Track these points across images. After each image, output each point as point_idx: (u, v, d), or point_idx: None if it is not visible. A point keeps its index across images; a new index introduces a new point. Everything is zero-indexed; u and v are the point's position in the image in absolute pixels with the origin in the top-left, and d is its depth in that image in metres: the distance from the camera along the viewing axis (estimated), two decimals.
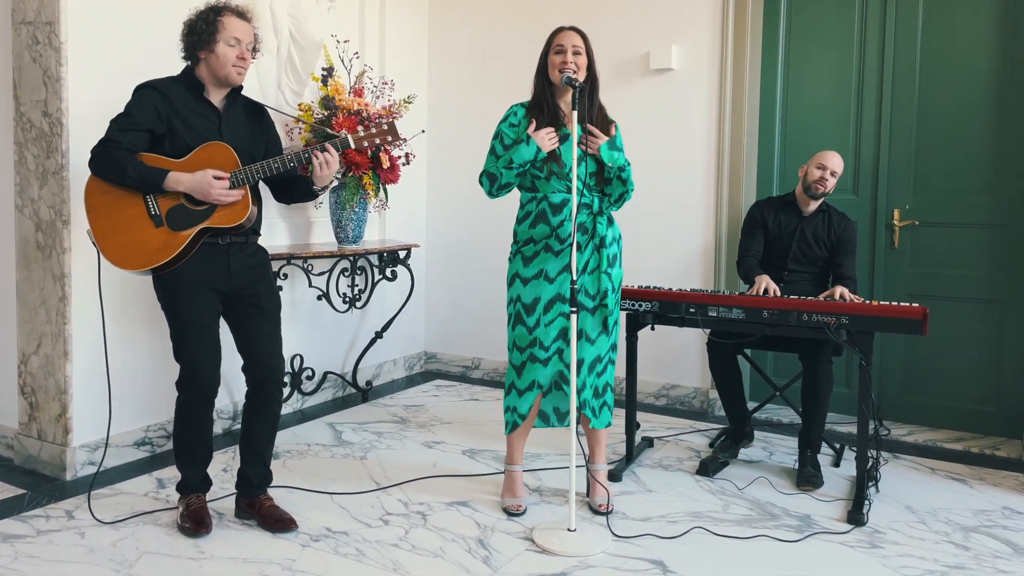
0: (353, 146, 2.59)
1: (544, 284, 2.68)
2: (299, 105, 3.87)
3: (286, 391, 4.00)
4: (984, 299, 3.70)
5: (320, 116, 3.78)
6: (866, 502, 2.84)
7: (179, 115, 2.47)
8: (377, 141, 2.63)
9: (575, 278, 2.48)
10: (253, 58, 2.59)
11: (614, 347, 2.80)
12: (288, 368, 4.01)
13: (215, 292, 2.53)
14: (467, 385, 4.66)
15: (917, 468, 3.31)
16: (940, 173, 3.77)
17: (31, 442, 3.19)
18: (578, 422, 2.68)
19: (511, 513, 2.75)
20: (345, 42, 4.01)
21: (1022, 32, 3.54)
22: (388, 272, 4.32)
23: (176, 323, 2.51)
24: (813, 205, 3.36)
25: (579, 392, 2.71)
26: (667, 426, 3.87)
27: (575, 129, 2.48)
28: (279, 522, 2.61)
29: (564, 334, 2.66)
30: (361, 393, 4.35)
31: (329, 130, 3.69)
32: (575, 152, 2.48)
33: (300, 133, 3.85)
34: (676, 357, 4.20)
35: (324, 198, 4.05)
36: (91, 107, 3.00)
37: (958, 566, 2.43)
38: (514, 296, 2.74)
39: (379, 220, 4.58)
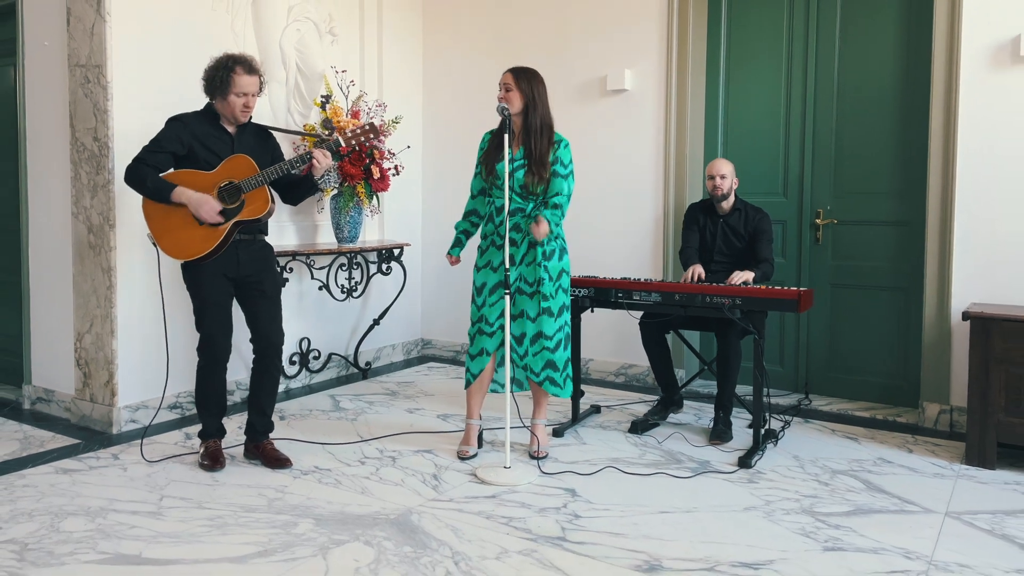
0: (344, 144, 3.26)
1: (490, 272, 3.35)
2: (304, 126, 4.58)
3: (296, 368, 4.71)
4: (892, 287, 4.25)
5: (321, 134, 4.48)
6: (759, 452, 3.43)
7: (199, 140, 3.17)
8: (362, 138, 3.31)
9: (508, 267, 3.13)
10: (260, 95, 3.27)
11: (562, 328, 3.39)
12: (297, 349, 4.73)
13: (228, 279, 3.23)
14: (456, 367, 5.33)
15: (820, 430, 3.89)
16: (855, 178, 4.33)
17: (85, 404, 3.93)
18: (519, 387, 3.39)
19: (462, 457, 3.41)
20: (343, 72, 4.71)
21: (920, 53, 4.10)
22: (384, 267, 5.01)
23: (198, 302, 3.23)
24: (726, 205, 3.95)
25: (522, 358, 3.35)
26: (619, 398, 4.49)
27: (507, 148, 3.14)
28: (277, 460, 3.30)
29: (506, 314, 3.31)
30: (361, 372, 5.04)
31: (325, 132, 4.43)
32: (507, 168, 3.14)
33: (305, 148, 4.55)
34: (633, 340, 4.81)
35: (326, 204, 4.76)
36: (132, 134, 3.73)
37: (812, 495, 3.02)
38: (473, 279, 3.41)
39: (379, 222, 5.28)
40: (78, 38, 3.81)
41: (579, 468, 3.30)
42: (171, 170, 3.18)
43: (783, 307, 3.35)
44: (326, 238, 4.87)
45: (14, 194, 4.31)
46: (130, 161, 3.15)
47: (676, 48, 4.61)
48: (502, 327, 3.33)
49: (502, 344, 3.35)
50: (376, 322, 5.11)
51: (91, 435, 3.79)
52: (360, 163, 4.48)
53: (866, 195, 4.31)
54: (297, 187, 3.38)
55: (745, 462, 3.32)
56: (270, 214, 3.21)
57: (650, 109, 4.72)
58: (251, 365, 3.40)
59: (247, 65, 3.17)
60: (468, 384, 3.44)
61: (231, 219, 3.15)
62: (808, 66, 4.43)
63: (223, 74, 3.12)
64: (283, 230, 4.63)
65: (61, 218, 4.00)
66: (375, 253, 5.01)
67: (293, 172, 3.20)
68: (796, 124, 4.48)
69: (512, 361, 3.37)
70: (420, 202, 5.66)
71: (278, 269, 4.12)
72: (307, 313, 4.78)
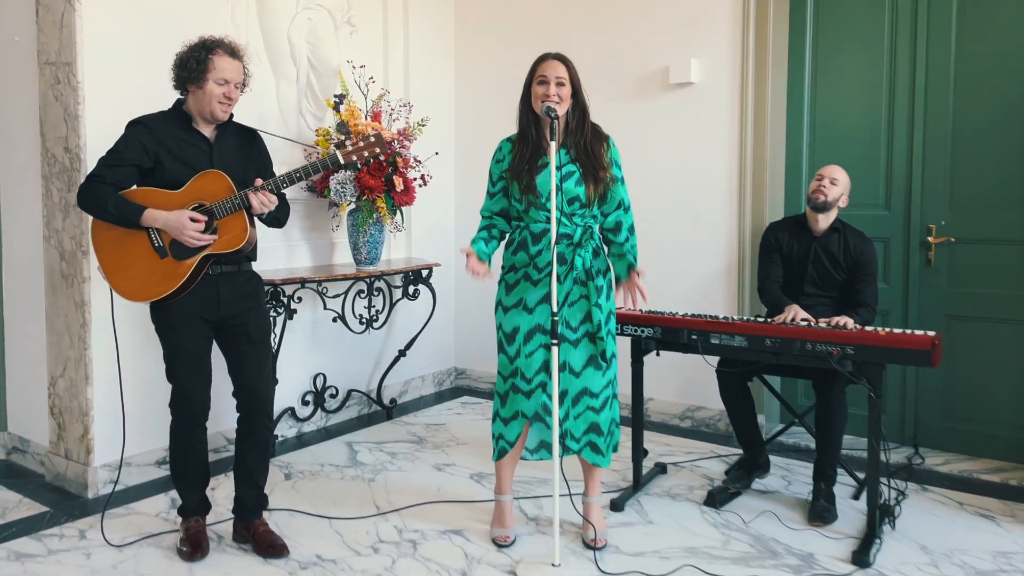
0: (343, 162, 2.61)
1: (523, 314, 2.65)
2: (317, 130, 3.95)
3: (309, 409, 4.09)
4: (1022, 320, 3.46)
5: (336, 140, 3.84)
6: (876, 541, 2.70)
7: (167, 148, 2.54)
8: (366, 154, 2.64)
9: (555, 309, 2.44)
10: (242, 92, 2.64)
11: (611, 383, 2.70)
12: (311, 387, 4.10)
13: (205, 321, 2.60)
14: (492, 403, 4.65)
15: (944, 503, 3.13)
16: (977, 187, 3.55)
17: (59, 460, 3.36)
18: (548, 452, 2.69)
19: (499, 544, 2.73)
20: (361, 67, 4.07)
21: None
22: (410, 291, 4.36)
23: (167, 348, 2.61)
24: (823, 222, 3.21)
25: (561, 422, 2.66)
26: (687, 450, 3.77)
27: (554, 158, 2.45)
28: (271, 548, 2.66)
29: (547, 366, 2.62)
30: (385, 411, 4.40)
31: (340, 136, 3.78)
32: (553, 182, 2.44)
33: (318, 156, 3.92)
34: (701, 378, 4.09)
35: (342, 219, 4.12)
36: (106, 143, 3.06)
37: None
38: (498, 323, 2.72)
39: (405, 239, 4.63)
40: (47, 31, 3.22)
41: (647, 565, 2.59)
42: (133, 187, 2.56)
43: (912, 360, 2.61)
44: (343, 258, 4.24)
45: None
46: (83, 180, 2.53)
47: (754, 33, 3.86)
48: (543, 384, 2.64)
49: (545, 407, 2.65)
50: (402, 353, 4.46)
51: (63, 499, 3.21)
52: (381, 173, 3.83)
53: (991, 208, 3.52)
54: (280, 208, 2.71)
55: (862, 559, 2.58)
56: (250, 244, 2.57)
57: (722, 107, 3.98)
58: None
59: (229, 47, 2.55)
60: (501, 455, 2.76)
61: (197, 253, 2.52)
62: (917, 53, 3.64)
63: (200, 55, 2.50)
64: (294, 250, 4.01)
65: (33, 242, 3.43)
66: (400, 276, 4.36)
67: (283, 192, 2.56)
68: (902, 124, 3.70)
69: (549, 429, 2.69)
70: (452, 215, 4.99)
71: (268, 306, 3.49)
72: (322, 345, 4.15)
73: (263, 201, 2.51)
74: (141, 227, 2.51)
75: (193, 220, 2.47)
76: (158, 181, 2.56)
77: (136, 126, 2.55)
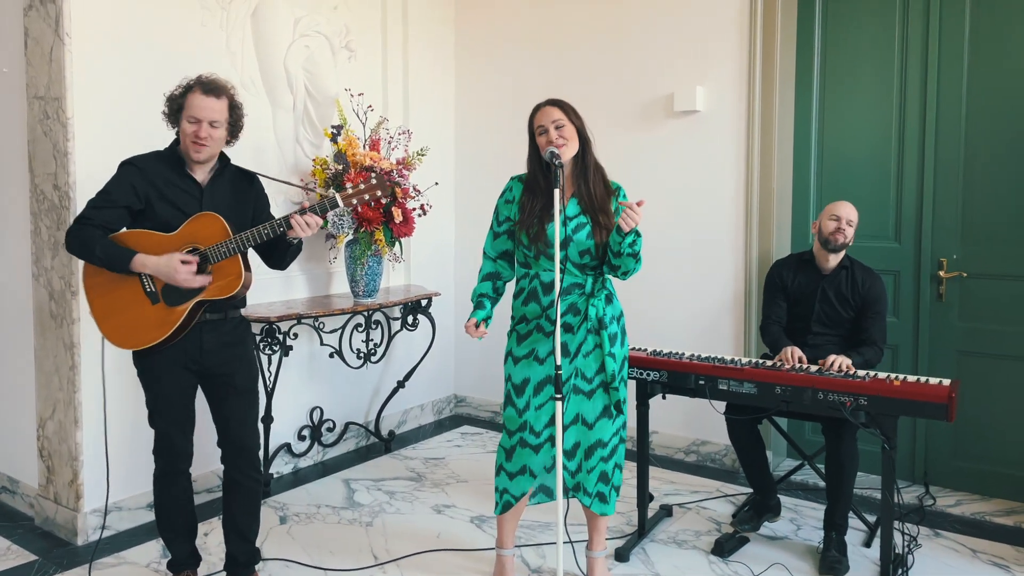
0: (342, 205, 2.51)
1: (535, 365, 2.57)
2: (315, 159, 3.86)
3: (306, 444, 4.00)
4: None
5: (333, 171, 3.75)
6: None
7: (158, 191, 2.45)
8: (366, 196, 2.55)
9: (559, 363, 2.34)
10: (233, 137, 2.55)
11: (619, 431, 2.62)
12: (307, 421, 4.02)
13: (189, 371, 2.52)
14: (493, 433, 4.57)
15: (957, 550, 3.04)
16: (990, 220, 3.47)
17: (48, 504, 3.27)
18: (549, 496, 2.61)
19: None
20: (359, 95, 3.98)
21: None
22: (408, 321, 4.27)
23: (149, 396, 2.53)
24: (833, 260, 3.13)
25: (573, 475, 2.58)
26: (693, 488, 3.69)
27: (557, 207, 2.36)
28: None
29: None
30: (384, 443, 4.31)
31: (338, 166, 3.70)
32: (558, 232, 2.35)
33: (316, 187, 3.84)
34: (707, 412, 4.00)
35: (340, 251, 4.04)
36: (96, 181, 2.96)
37: None
38: (507, 374, 2.63)
39: (404, 268, 4.55)
40: (36, 64, 3.14)
41: None
42: (123, 230, 2.48)
43: (927, 413, 2.52)
44: (341, 288, 4.15)
45: None
46: (71, 222, 2.44)
47: (760, 61, 3.78)
48: (551, 437, 2.55)
49: (552, 462, 2.56)
50: (401, 385, 4.37)
51: (52, 546, 3.11)
52: (379, 204, 3.74)
53: (1004, 242, 3.44)
54: (278, 248, 2.63)
55: None
56: (245, 289, 2.49)
57: (728, 136, 3.89)
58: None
59: (207, 85, 2.43)
60: (504, 511, 2.66)
61: (190, 299, 2.43)
62: (928, 81, 3.56)
63: (179, 98, 2.42)
64: (291, 281, 3.92)
65: (23, 280, 3.34)
66: (398, 308, 4.27)
67: (267, 238, 2.46)
68: (912, 152, 3.62)
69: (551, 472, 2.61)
70: (452, 244, 4.90)
71: (263, 343, 3.41)
72: (319, 378, 4.06)
73: (304, 224, 2.43)
74: (131, 273, 2.43)
75: (185, 263, 2.39)
76: (147, 224, 2.47)
77: (127, 167, 2.47)
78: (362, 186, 2.55)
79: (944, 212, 3.56)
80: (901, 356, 3.68)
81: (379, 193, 2.54)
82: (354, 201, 2.52)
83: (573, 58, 4.34)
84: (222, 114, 2.46)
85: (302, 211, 2.47)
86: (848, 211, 3.12)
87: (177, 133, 2.52)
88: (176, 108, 2.44)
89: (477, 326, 2.61)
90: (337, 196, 2.51)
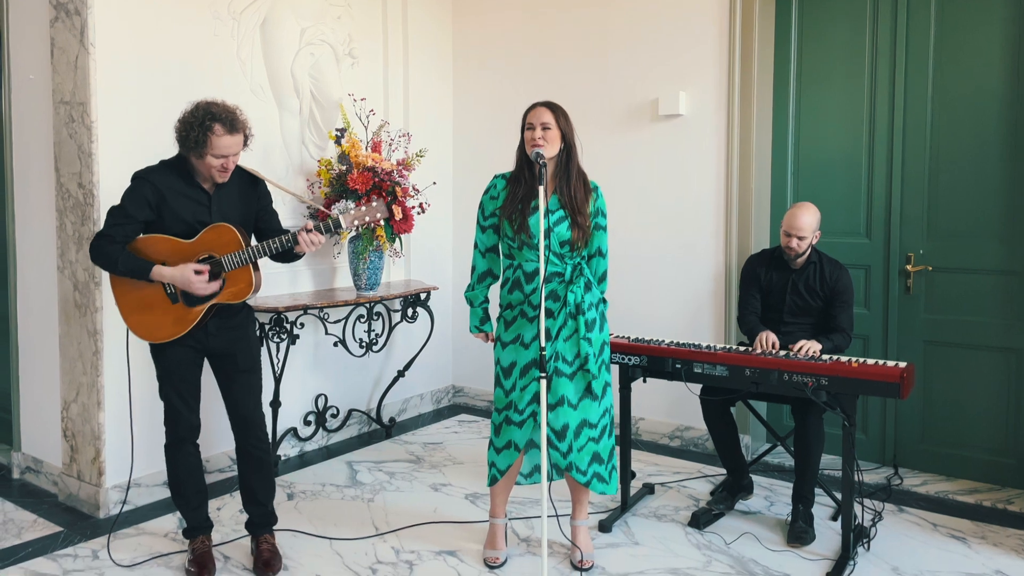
0: (344, 227, 2.75)
1: (520, 349, 2.80)
2: (320, 160, 4.10)
3: (311, 429, 4.24)
4: (1001, 347, 3.60)
5: (337, 172, 4.00)
6: (850, 563, 2.84)
7: (168, 202, 2.68)
8: (367, 219, 2.78)
9: (543, 344, 2.57)
10: (246, 148, 2.77)
11: (607, 412, 2.85)
12: (312, 407, 4.25)
13: (195, 350, 2.79)
14: (489, 422, 4.79)
15: (919, 524, 3.26)
16: (955, 217, 3.69)
17: (72, 481, 3.51)
18: (552, 478, 2.82)
19: (490, 565, 2.87)
20: (362, 100, 4.23)
21: None
22: (408, 313, 4.50)
23: (160, 371, 2.80)
24: (799, 260, 3.35)
25: (565, 455, 2.80)
26: (675, 470, 3.91)
27: (543, 201, 2.60)
28: (266, 566, 2.82)
29: (539, 398, 2.76)
30: (384, 429, 4.55)
31: (342, 167, 3.94)
32: (542, 224, 2.59)
33: (320, 187, 4.08)
34: (690, 399, 4.21)
35: (343, 247, 4.27)
36: (119, 180, 3.25)
37: None
38: (496, 358, 2.87)
39: (404, 263, 4.78)
40: (62, 72, 3.38)
41: None
42: (141, 235, 2.73)
43: (881, 391, 2.75)
44: (344, 281, 4.39)
45: (1, 243, 3.92)
46: (94, 236, 2.70)
47: (739, 67, 4.01)
48: (534, 414, 2.79)
49: (530, 437, 2.81)
50: (401, 374, 4.61)
51: (76, 519, 3.36)
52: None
53: (968, 238, 3.66)
54: (285, 256, 2.88)
55: None
56: (255, 293, 2.75)
57: (709, 138, 4.13)
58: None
59: (228, 123, 2.61)
60: (493, 482, 2.91)
61: (206, 301, 2.70)
62: (896, 87, 3.79)
63: (198, 134, 2.58)
64: (298, 275, 4.17)
65: (48, 272, 3.59)
66: (399, 301, 4.51)
67: (274, 252, 2.72)
68: (881, 153, 3.85)
69: (552, 461, 2.85)
70: (450, 240, 5.15)
71: (257, 336, 3.65)
72: (324, 366, 4.30)
73: (310, 241, 2.69)
74: (151, 282, 2.68)
75: (198, 272, 2.64)
76: (160, 229, 2.72)
77: (140, 182, 2.67)
78: (363, 209, 2.78)
79: (911, 210, 3.79)
80: (872, 346, 3.90)
81: (379, 215, 2.78)
82: (356, 223, 2.76)
83: (563, 65, 4.58)
84: (241, 145, 2.69)
85: (308, 230, 2.71)
86: (799, 223, 3.24)
87: (185, 154, 2.69)
88: (200, 145, 2.60)
89: (487, 336, 2.98)
90: (341, 218, 2.75)
